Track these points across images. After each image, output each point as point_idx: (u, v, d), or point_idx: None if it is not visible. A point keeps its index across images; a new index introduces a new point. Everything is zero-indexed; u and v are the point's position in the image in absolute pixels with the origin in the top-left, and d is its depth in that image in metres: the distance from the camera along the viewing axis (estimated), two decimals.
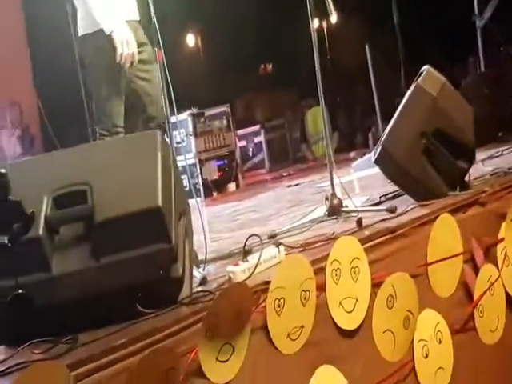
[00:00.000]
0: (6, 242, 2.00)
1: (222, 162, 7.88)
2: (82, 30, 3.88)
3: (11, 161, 7.62)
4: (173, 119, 3.16)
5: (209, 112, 7.94)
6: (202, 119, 7.86)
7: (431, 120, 3.40)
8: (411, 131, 3.40)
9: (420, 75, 3.51)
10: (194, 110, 7.87)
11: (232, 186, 7.89)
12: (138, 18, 3.96)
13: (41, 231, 2.08)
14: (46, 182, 2.22)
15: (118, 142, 2.75)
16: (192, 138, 7.68)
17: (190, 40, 12.93)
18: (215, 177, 7.75)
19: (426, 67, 3.53)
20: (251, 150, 9.86)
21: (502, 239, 3.13)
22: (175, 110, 3.03)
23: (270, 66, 12.12)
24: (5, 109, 8.58)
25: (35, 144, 8.75)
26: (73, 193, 2.17)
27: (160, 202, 2.09)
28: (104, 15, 3.74)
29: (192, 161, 7.56)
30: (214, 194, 7.61)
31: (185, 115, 7.69)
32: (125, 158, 2.25)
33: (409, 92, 3.50)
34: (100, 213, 2.11)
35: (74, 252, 2.11)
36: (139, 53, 3.79)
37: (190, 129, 7.71)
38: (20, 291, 2.01)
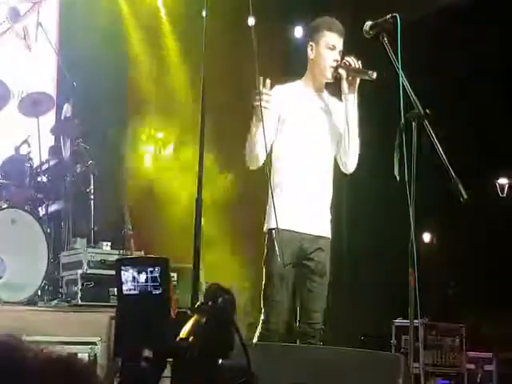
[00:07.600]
0: None
1: (447, 382, 7.52)
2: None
3: None
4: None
5: (442, 325, 7.68)
6: (434, 332, 7.58)
7: None
8: None
9: None
10: (426, 320, 7.53)
11: None
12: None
13: None
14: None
15: (360, 355, 2.75)
16: (421, 349, 7.23)
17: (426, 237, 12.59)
18: None
19: None
20: (479, 376, 9.06)
21: None
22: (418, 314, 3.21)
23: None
24: None
25: None
26: None
27: None
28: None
29: (416, 371, 7.05)
30: None
31: (417, 323, 7.31)
32: (363, 373, 2.20)
33: None
34: None
35: None
36: (310, 260, 3.97)
37: (421, 338, 7.29)
38: None
